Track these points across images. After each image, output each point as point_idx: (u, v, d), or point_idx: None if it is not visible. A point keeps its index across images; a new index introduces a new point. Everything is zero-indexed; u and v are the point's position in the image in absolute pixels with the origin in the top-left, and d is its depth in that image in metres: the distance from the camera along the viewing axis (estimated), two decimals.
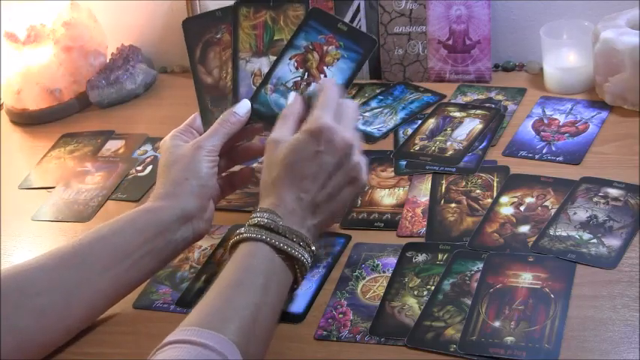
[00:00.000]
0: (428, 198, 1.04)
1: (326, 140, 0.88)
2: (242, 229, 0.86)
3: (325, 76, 0.94)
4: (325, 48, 0.95)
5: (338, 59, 0.94)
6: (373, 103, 1.28)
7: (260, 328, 0.79)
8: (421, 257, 0.94)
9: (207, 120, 1.01)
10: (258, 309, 0.79)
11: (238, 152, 1.04)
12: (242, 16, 0.99)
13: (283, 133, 0.91)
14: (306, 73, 0.94)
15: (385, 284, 0.91)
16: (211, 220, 0.97)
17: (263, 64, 0.98)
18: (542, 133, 1.13)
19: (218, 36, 1.00)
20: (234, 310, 0.78)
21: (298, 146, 0.88)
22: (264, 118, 0.97)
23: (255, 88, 0.97)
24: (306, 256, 0.86)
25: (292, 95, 0.95)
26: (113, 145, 1.32)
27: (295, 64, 0.94)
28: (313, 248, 0.86)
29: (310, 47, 0.95)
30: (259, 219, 0.86)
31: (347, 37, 0.95)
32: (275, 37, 0.98)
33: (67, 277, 0.86)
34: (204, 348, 0.72)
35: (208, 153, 0.95)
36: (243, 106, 0.97)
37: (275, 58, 0.97)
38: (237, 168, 1.05)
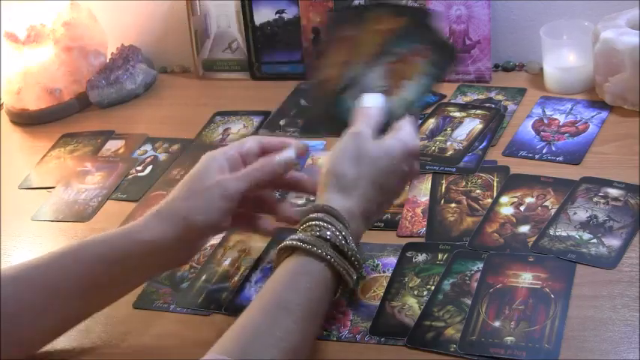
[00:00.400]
0: (428, 198, 1.04)
1: (411, 163, 0.86)
2: (303, 236, 0.77)
3: (403, 90, 0.90)
4: (414, 59, 0.92)
5: (419, 75, 0.91)
6: None
7: (298, 356, 0.73)
8: (421, 257, 0.94)
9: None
10: (301, 341, 0.73)
11: (279, 182, 0.93)
12: (372, 17, 0.95)
13: (367, 129, 0.85)
14: (389, 84, 0.91)
15: (385, 284, 0.91)
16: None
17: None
18: (542, 133, 1.13)
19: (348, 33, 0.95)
20: (276, 339, 0.71)
21: (395, 155, 0.84)
22: (341, 122, 0.90)
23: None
24: (352, 273, 0.79)
25: (373, 97, 0.89)
26: (113, 145, 1.32)
27: (384, 73, 0.91)
28: (359, 261, 0.80)
29: (403, 55, 0.92)
30: (329, 230, 0.77)
31: (436, 50, 0.92)
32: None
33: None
34: None
35: (226, 196, 0.84)
36: (286, 154, 0.89)
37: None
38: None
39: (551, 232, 0.94)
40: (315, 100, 0.96)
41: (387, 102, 0.89)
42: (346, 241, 0.78)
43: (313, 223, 0.78)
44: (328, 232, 0.77)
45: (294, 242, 0.77)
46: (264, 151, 0.90)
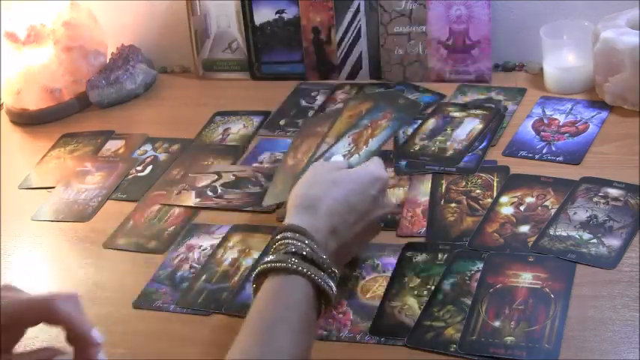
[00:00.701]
0: (428, 198, 1.04)
1: (380, 190, 0.89)
2: (272, 257, 0.79)
3: (367, 146, 0.98)
4: (379, 122, 1.00)
5: (383, 129, 0.99)
6: None
7: None
8: (421, 257, 0.94)
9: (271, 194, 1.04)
10: (296, 352, 0.73)
11: None
12: (346, 109, 1.06)
13: (330, 163, 0.92)
14: (354, 147, 0.98)
15: (385, 284, 0.91)
16: None
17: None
18: (542, 133, 1.13)
19: (319, 129, 1.06)
20: (277, 354, 0.72)
21: (359, 177, 0.88)
22: None
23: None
24: (333, 287, 0.79)
25: (336, 157, 0.97)
26: (113, 145, 1.32)
27: (351, 140, 0.99)
28: (335, 274, 0.80)
29: (368, 125, 1.00)
30: (294, 245, 0.79)
31: (401, 110, 1.02)
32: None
33: None
34: None
35: None
36: None
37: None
38: None
39: (552, 232, 0.94)
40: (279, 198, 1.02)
41: (351, 159, 0.96)
42: (313, 251, 0.78)
43: (279, 243, 0.80)
44: (293, 247, 0.78)
45: (266, 265, 0.78)
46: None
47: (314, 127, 1.08)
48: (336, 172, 0.89)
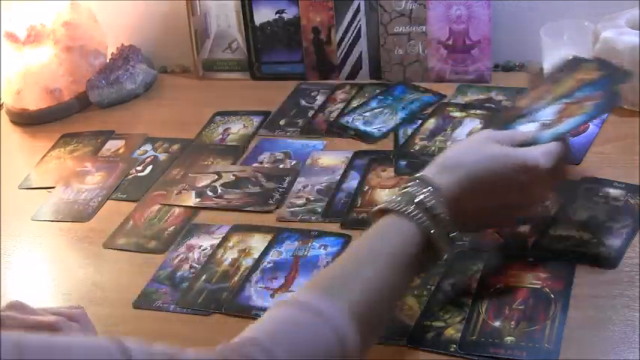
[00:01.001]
0: None
1: (532, 181, 0.85)
2: (394, 198, 0.81)
3: (561, 124, 0.91)
4: (584, 103, 0.93)
5: (583, 112, 0.92)
6: (373, 103, 1.28)
7: (381, 308, 0.76)
8: None
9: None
10: (386, 287, 0.76)
11: None
12: (582, 70, 0.99)
13: (498, 134, 0.89)
14: (556, 119, 0.92)
15: None
16: None
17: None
18: None
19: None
20: (361, 283, 0.74)
21: (509, 161, 0.84)
22: None
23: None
24: (443, 246, 0.80)
25: (525, 126, 0.93)
26: (113, 145, 1.32)
27: (558, 110, 0.93)
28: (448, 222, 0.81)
29: (580, 99, 0.93)
30: (425, 196, 0.80)
31: (608, 96, 0.94)
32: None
33: None
34: (316, 315, 0.70)
35: None
36: None
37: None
38: None
39: (552, 232, 0.94)
40: (496, 120, 1.01)
41: (539, 132, 0.90)
42: (434, 204, 0.80)
43: (407, 188, 0.82)
44: (420, 196, 0.80)
45: (385, 205, 0.81)
46: None
47: (557, 73, 1.01)
48: (498, 147, 0.85)
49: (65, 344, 0.61)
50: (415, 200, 0.80)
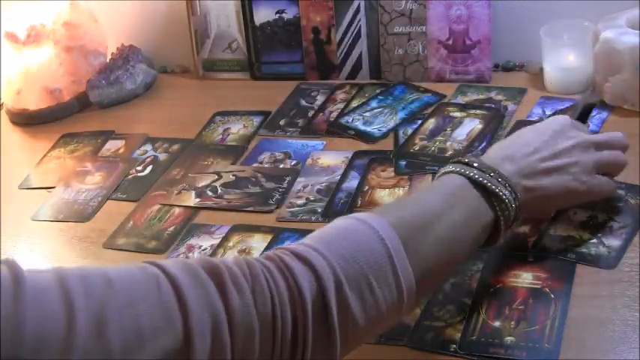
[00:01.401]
0: None
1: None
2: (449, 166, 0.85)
3: None
4: None
5: None
6: (373, 103, 1.28)
7: (433, 238, 0.76)
8: None
9: None
10: (435, 218, 0.77)
11: None
12: None
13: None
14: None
15: None
16: None
17: None
18: None
19: None
20: (404, 208, 0.79)
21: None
22: None
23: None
24: (507, 194, 0.81)
25: None
26: (113, 145, 1.32)
27: None
28: (518, 195, 0.83)
29: None
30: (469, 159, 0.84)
31: None
32: None
33: None
34: (360, 222, 0.73)
35: None
36: None
37: None
38: None
39: (552, 231, 0.94)
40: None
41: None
42: (480, 161, 0.83)
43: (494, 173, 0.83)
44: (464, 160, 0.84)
45: (476, 176, 0.82)
46: None
47: None
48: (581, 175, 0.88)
49: (101, 270, 0.61)
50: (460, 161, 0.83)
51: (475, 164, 0.83)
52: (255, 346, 0.63)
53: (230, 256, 1.00)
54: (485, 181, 0.81)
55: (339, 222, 0.75)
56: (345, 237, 0.72)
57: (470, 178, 0.82)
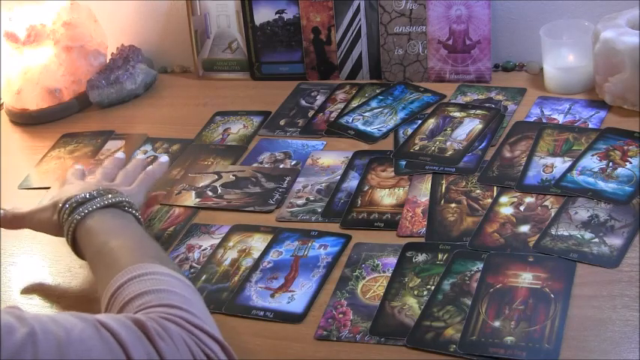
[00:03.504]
0: (428, 198, 1.04)
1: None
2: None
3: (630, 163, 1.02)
4: (626, 148, 1.05)
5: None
6: (373, 103, 1.28)
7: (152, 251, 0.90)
8: (421, 257, 0.94)
9: None
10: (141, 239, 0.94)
11: None
12: (545, 134, 1.11)
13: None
14: (611, 162, 1.02)
15: (385, 284, 0.91)
16: None
17: (557, 161, 1.05)
18: None
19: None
20: (144, 249, 0.91)
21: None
22: (574, 192, 0.99)
23: (543, 175, 1.03)
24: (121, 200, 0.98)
25: None
26: (113, 145, 1.32)
27: (598, 157, 1.04)
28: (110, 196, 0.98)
29: (611, 148, 1.05)
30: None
31: None
32: (573, 148, 1.07)
33: None
34: (146, 274, 0.83)
35: None
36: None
37: (569, 159, 1.05)
38: None
39: (553, 231, 0.94)
40: None
41: None
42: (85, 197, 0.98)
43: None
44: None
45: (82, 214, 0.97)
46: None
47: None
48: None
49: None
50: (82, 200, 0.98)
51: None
52: None
53: (230, 256, 1.01)
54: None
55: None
56: None
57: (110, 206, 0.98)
